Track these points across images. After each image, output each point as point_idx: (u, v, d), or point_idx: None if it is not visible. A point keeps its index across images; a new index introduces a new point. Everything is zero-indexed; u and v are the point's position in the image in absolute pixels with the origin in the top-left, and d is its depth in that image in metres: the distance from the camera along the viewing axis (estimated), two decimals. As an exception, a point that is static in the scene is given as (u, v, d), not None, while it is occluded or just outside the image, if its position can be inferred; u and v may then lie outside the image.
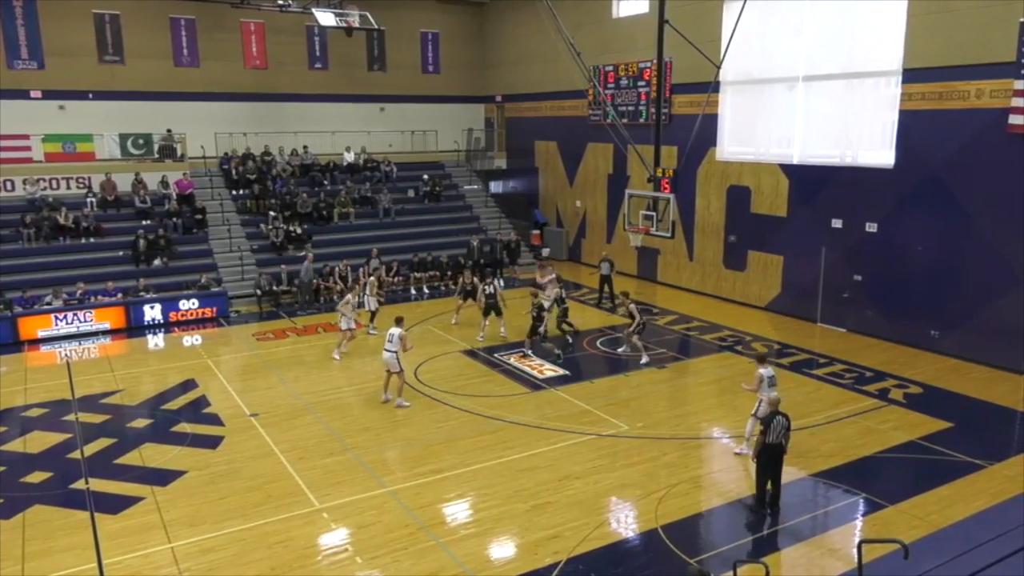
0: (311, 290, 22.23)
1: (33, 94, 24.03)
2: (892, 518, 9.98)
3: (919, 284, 17.14)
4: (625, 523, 10.12)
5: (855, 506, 10.43)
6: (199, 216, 23.88)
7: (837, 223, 18.75)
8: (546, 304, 18.06)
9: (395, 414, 13.67)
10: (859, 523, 10.03)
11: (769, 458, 10.02)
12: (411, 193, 28.29)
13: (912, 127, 16.96)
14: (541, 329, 16.85)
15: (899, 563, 7.27)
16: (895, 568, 7.65)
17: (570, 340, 17.75)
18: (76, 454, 12.21)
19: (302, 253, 23.75)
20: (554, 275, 19.28)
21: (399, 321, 14.35)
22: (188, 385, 15.47)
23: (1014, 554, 7.88)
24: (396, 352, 13.76)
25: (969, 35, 15.71)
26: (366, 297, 19.36)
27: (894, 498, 10.46)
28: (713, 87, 18.74)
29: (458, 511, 10.40)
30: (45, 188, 23.32)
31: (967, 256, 16.23)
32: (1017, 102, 14.87)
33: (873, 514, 10.16)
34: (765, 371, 11.58)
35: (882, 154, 17.75)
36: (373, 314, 19.28)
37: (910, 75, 16.85)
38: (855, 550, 8.00)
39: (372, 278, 20.07)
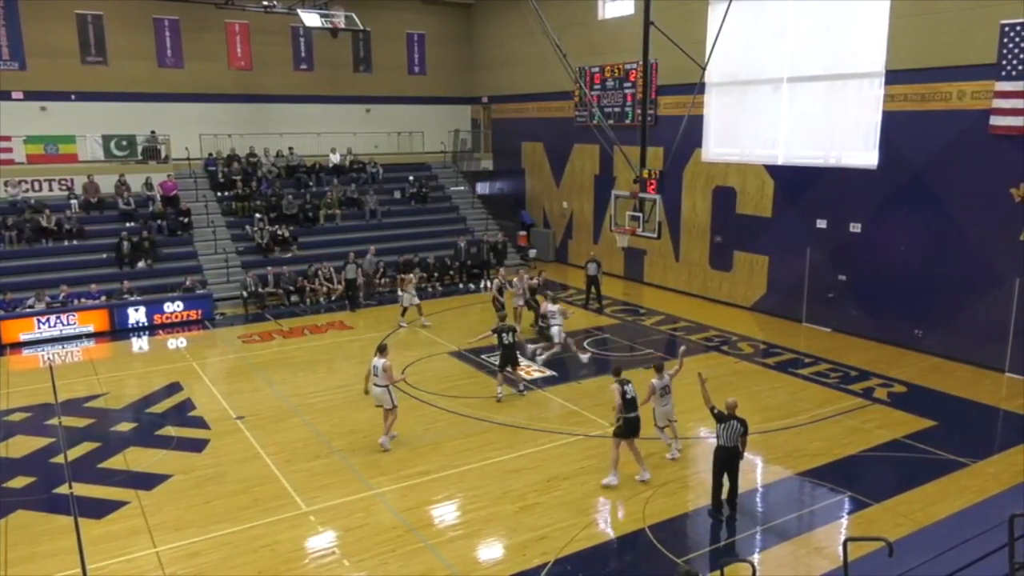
0: (373, 282, 22.83)
1: (15, 95, 23.76)
2: (877, 516, 10.06)
3: (903, 284, 17.28)
4: (613, 523, 10.14)
5: (840, 504, 10.50)
6: (184, 218, 23.72)
7: (822, 223, 18.88)
8: (519, 302, 18.65)
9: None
10: (844, 521, 10.10)
11: (722, 460, 10.06)
12: (397, 194, 28.23)
13: (895, 128, 17.10)
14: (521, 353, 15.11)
15: (884, 561, 7.33)
16: (880, 566, 7.71)
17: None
18: (59, 458, 12.08)
19: (289, 255, 23.77)
20: (525, 278, 19.50)
21: (383, 350, 12.38)
22: (173, 388, 15.36)
23: (997, 551, 7.96)
24: (388, 386, 12.16)
25: (951, 37, 15.86)
26: (401, 294, 20.10)
27: (879, 496, 10.54)
28: (698, 88, 18.84)
29: (446, 513, 10.39)
30: (27, 190, 23.09)
31: (950, 256, 16.38)
32: (998, 103, 15.04)
33: (858, 512, 10.23)
34: (657, 381, 11.45)
35: (866, 155, 17.89)
36: (405, 309, 19.83)
37: (893, 76, 16.99)
38: (840, 548, 8.06)
39: (410, 275, 20.71)
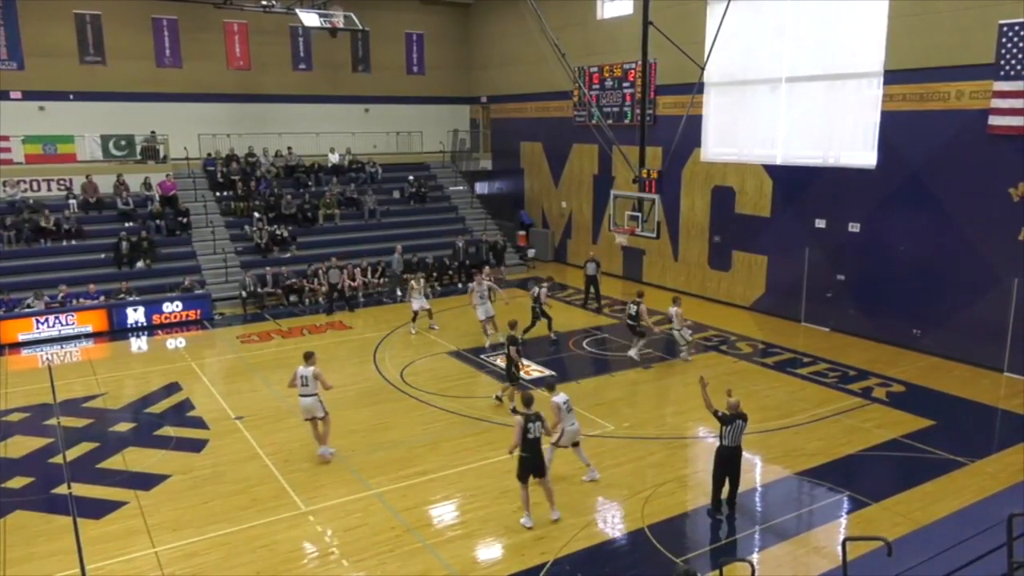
0: (400, 281, 23.02)
1: (13, 95, 23.75)
2: (876, 516, 10.06)
3: (901, 283, 17.29)
4: (612, 523, 10.14)
5: (839, 504, 10.51)
6: (182, 218, 23.71)
7: (820, 223, 18.89)
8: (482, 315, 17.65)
9: (381, 416, 13.60)
10: (843, 521, 10.10)
11: (725, 459, 10.04)
12: (396, 194, 28.24)
13: (894, 128, 17.10)
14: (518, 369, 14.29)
15: (883, 560, 7.34)
16: (879, 565, 7.72)
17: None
18: (58, 459, 12.07)
19: (287, 255, 23.78)
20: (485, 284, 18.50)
21: (309, 357, 11.84)
22: (172, 388, 15.35)
23: (996, 550, 7.97)
24: (318, 395, 11.70)
25: (949, 37, 15.87)
26: (410, 299, 19.59)
27: (878, 496, 10.54)
28: (697, 88, 18.85)
29: (444, 513, 10.39)
30: (26, 190, 23.07)
31: (948, 255, 16.39)
32: (997, 103, 15.05)
33: (857, 512, 10.23)
34: (559, 398, 10.77)
35: (864, 155, 17.90)
36: (416, 314, 19.28)
37: (891, 76, 17.00)
38: (839, 548, 8.07)
39: (413, 278, 20.19)
